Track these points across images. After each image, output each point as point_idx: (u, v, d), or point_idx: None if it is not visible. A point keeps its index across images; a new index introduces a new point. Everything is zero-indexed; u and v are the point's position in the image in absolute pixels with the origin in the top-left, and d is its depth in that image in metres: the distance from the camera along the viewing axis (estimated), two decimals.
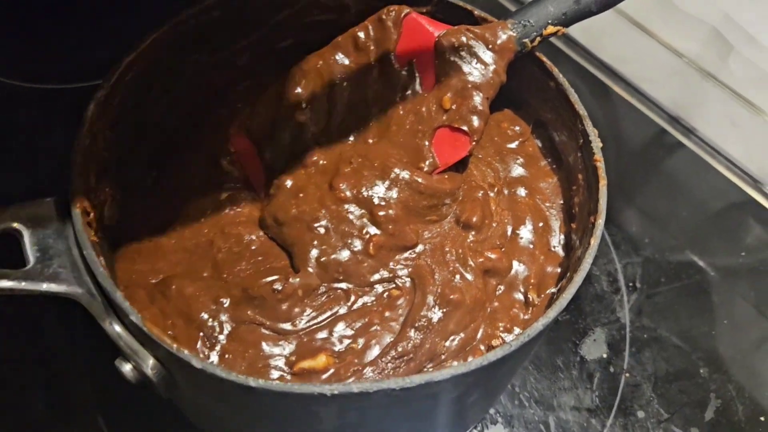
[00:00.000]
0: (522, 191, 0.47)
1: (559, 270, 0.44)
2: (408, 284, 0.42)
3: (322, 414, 0.35)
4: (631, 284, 0.60)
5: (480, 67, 0.44)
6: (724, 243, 0.65)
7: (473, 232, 0.44)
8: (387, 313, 0.41)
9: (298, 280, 0.41)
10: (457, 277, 0.42)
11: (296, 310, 0.40)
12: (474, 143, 0.44)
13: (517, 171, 0.48)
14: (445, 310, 0.41)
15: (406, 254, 0.43)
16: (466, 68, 0.44)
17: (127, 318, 0.34)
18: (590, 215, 0.41)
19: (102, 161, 0.42)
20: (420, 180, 0.44)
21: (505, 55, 0.44)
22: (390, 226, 0.43)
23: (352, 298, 0.42)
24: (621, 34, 0.66)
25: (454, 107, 0.44)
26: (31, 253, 0.36)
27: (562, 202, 0.47)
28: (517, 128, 0.51)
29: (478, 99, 0.43)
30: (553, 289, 0.43)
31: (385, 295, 0.42)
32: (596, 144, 0.43)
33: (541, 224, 0.46)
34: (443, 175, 0.45)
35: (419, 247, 0.43)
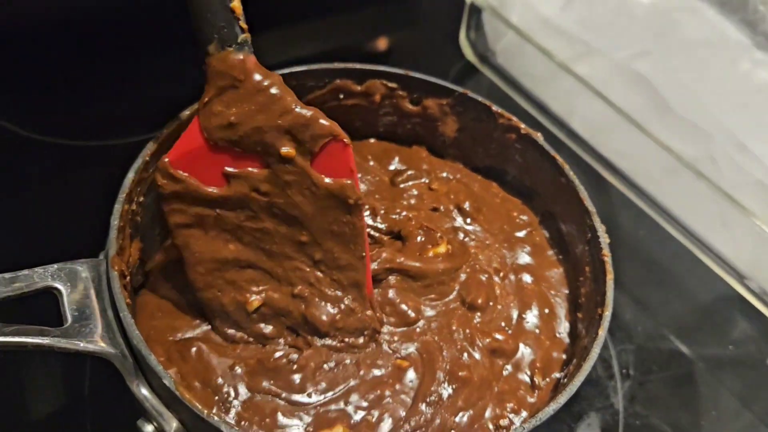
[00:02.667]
0: (528, 278, 0.50)
1: (564, 356, 0.46)
2: (414, 356, 0.44)
3: None
4: (624, 371, 0.62)
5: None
6: (711, 335, 0.68)
7: (479, 313, 0.47)
8: (397, 386, 0.43)
9: (310, 352, 0.43)
10: (465, 355, 0.44)
11: (309, 382, 0.42)
12: (344, 137, 0.42)
13: (524, 259, 0.51)
14: (454, 386, 0.43)
15: (408, 330, 0.45)
16: None
17: (157, 380, 0.36)
18: (597, 307, 0.44)
19: (134, 225, 0.44)
20: (411, 263, 0.47)
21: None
22: (387, 308, 0.45)
23: (363, 370, 0.43)
24: (621, 131, 0.71)
25: (298, 150, 0.41)
26: (69, 312, 0.38)
27: (567, 291, 0.50)
28: (526, 218, 0.54)
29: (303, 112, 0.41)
30: (558, 374, 0.45)
31: (391, 366, 0.43)
32: (604, 240, 0.46)
33: (546, 311, 0.48)
34: (437, 257, 0.48)
35: (421, 323, 0.46)
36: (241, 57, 0.39)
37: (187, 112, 0.46)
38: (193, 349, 0.43)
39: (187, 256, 0.43)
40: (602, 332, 0.41)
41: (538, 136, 0.51)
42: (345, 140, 0.42)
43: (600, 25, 0.84)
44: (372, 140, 0.59)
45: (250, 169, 0.42)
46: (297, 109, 0.41)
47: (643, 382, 0.62)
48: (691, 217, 0.71)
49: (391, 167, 0.56)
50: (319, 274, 0.45)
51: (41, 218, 0.62)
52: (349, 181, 0.42)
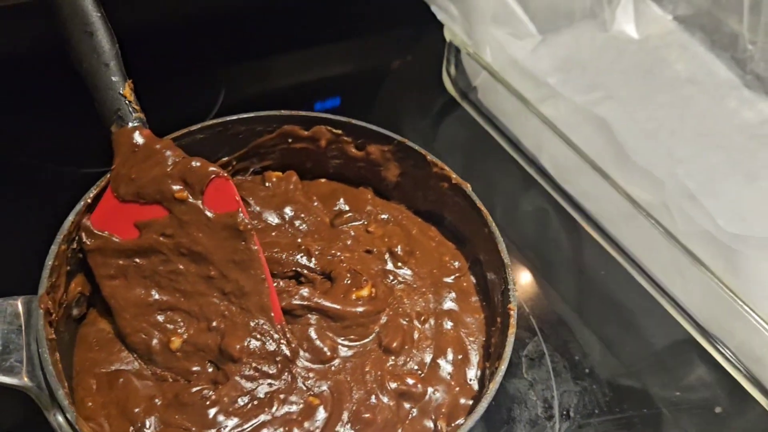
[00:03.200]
0: (449, 324, 0.52)
1: (470, 403, 0.48)
2: (326, 394, 0.47)
3: None
4: (565, 412, 0.63)
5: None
6: (663, 379, 0.68)
7: (393, 357, 0.49)
8: (306, 423, 0.45)
9: (226, 387, 0.46)
10: (373, 397, 0.47)
11: (221, 417, 0.45)
12: (224, 173, 0.49)
13: (448, 304, 0.53)
14: (357, 427, 0.45)
15: (324, 367, 0.48)
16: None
17: (64, 412, 0.39)
18: (497, 359, 0.45)
19: (74, 264, 0.48)
20: (328, 304, 0.49)
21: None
22: (304, 344, 0.48)
23: (275, 406, 0.46)
24: (584, 173, 0.72)
25: (189, 191, 0.49)
26: None
27: (484, 339, 0.51)
28: (457, 263, 0.56)
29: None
30: (462, 421, 0.47)
31: (303, 403, 0.46)
32: (513, 293, 0.48)
33: (460, 356, 0.50)
34: (359, 299, 0.50)
35: (337, 362, 0.48)
36: (137, 131, 0.49)
37: None
38: (121, 380, 0.46)
39: (113, 304, 0.48)
40: (493, 386, 0.43)
41: (467, 187, 0.53)
42: (225, 176, 0.49)
43: (569, 68, 0.86)
44: (323, 180, 0.62)
45: (154, 217, 0.49)
46: (183, 159, 0.49)
47: (583, 425, 0.63)
48: (649, 262, 0.71)
49: (336, 208, 0.59)
50: (230, 305, 0.48)
51: None
52: (235, 210, 0.48)
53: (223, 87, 0.86)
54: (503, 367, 0.44)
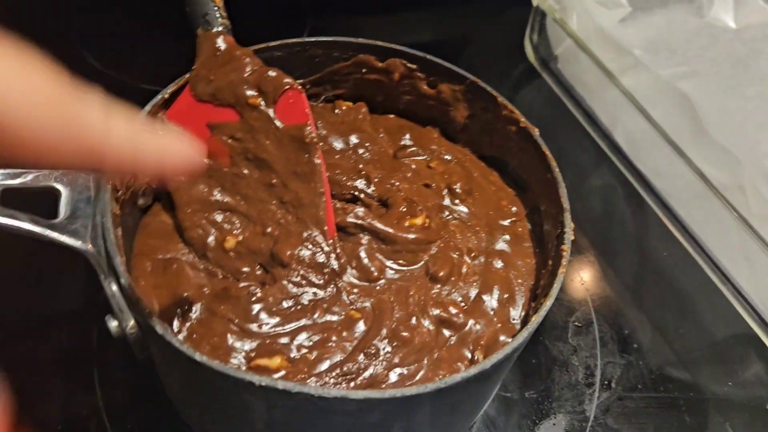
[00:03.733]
0: (499, 263, 0.51)
1: (510, 340, 0.47)
2: (368, 310, 0.47)
3: (254, 405, 0.40)
4: (606, 382, 0.62)
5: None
6: (715, 370, 0.65)
7: (439, 285, 0.49)
8: (344, 333, 0.46)
9: (273, 289, 0.47)
10: (414, 319, 0.47)
11: (264, 314, 0.46)
12: (298, 86, 0.50)
13: (501, 245, 0.53)
14: (394, 344, 0.45)
15: (369, 286, 0.48)
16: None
17: (119, 278, 0.41)
18: (543, 297, 0.45)
19: None
20: (381, 227, 0.50)
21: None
22: (353, 262, 0.48)
23: (317, 313, 0.47)
24: (658, 149, 0.69)
25: (262, 99, 0.50)
26: (62, 210, 0.44)
27: (532, 282, 0.51)
28: (514, 209, 0.55)
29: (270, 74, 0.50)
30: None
31: (344, 315, 0.47)
32: (569, 236, 0.47)
33: (506, 296, 0.49)
34: (412, 226, 0.50)
35: (382, 282, 0.49)
36: (221, 36, 0.51)
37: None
38: (175, 266, 0.48)
39: (176, 198, 0.50)
40: (536, 319, 0.42)
41: (535, 131, 0.53)
42: (299, 88, 0.50)
43: (656, 49, 0.83)
44: (391, 116, 0.62)
45: (227, 120, 0.51)
46: (261, 68, 0.51)
47: (623, 398, 0.61)
48: (716, 247, 0.69)
49: (401, 142, 0.59)
50: (287, 214, 0.49)
51: None
52: (304, 123, 0.49)
53: (309, 22, 0.88)
54: (548, 303, 0.43)
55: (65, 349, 0.58)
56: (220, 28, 0.51)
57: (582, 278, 0.70)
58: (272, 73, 0.51)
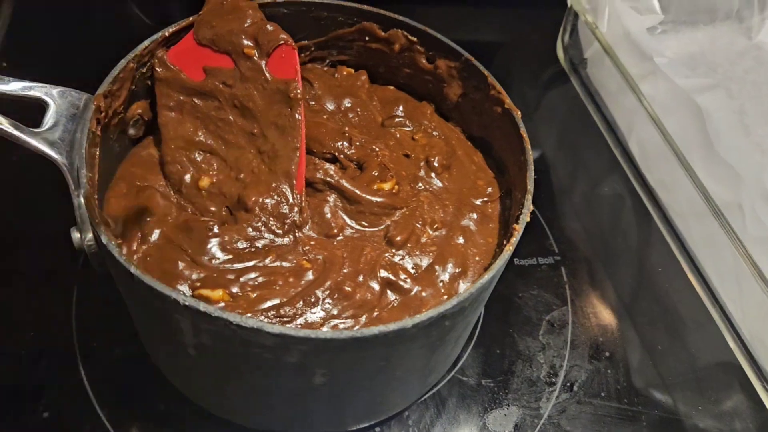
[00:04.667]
0: (460, 239, 0.51)
1: None
2: (319, 261, 0.48)
3: (182, 324, 0.42)
4: (568, 384, 0.61)
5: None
6: (691, 392, 0.63)
7: (394, 250, 0.50)
8: (291, 279, 0.47)
9: (231, 228, 0.48)
10: (361, 277, 0.47)
11: (217, 249, 0.47)
12: (291, 42, 0.52)
13: (466, 222, 0.53)
14: (335, 296, 0.46)
15: (326, 240, 0.49)
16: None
17: (81, 190, 0.44)
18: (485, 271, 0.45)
19: (142, 87, 0.53)
20: (347, 186, 0.50)
21: None
22: (316, 217, 0.49)
23: (269, 258, 0.48)
24: (666, 161, 0.68)
25: (257, 50, 0.52)
26: (47, 122, 0.47)
27: (488, 262, 0.50)
28: (489, 190, 0.55)
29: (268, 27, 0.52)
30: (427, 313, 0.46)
31: (296, 263, 0.48)
32: (524, 217, 0.46)
33: (459, 270, 0.49)
34: (379, 190, 0.51)
35: (339, 238, 0.49)
36: None
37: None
38: (147, 192, 0.51)
39: (164, 132, 0.53)
40: (470, 288, 0.42)
41: (517, 113, 0.52)
42: (292, 45, 0.51)
43: (695, 65, 0.81)
44: (391, 87, 0.63)
45: (222, 66, 0.53)
46: (261, 21, 0.52)
47: (583, 403, 0.60)
48: (710, 268, 0.67)
49: (393, 113, 0.60)
50: (261, 164, 0.51)
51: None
52: (292, 79, 0.51)
53: None
54: (486, 277, 0.43)
55: (53, 264, 0.62)
56: None
57: (569, 280, 0.69)
58: (270, 27, 0.53)
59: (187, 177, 0.52)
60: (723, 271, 0.64)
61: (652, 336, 0.66)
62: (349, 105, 0.58)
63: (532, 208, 0.47)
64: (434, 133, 0.59)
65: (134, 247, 0.47)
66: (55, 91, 0.48)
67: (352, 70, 0.62)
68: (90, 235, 0.45)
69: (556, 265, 0.69)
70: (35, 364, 0.56)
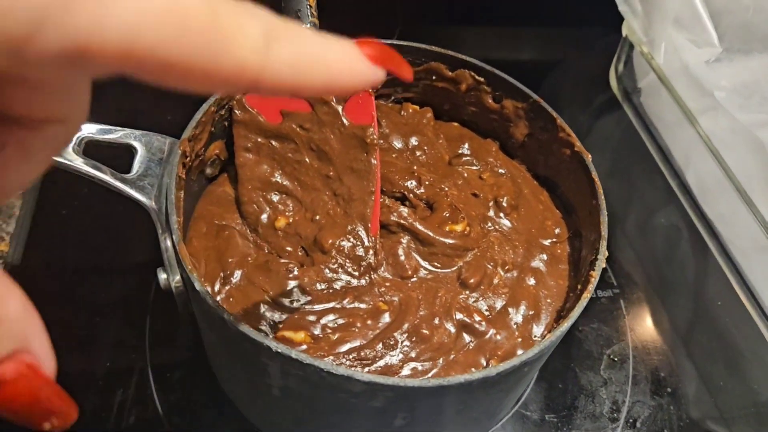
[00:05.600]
0: (531, 280, 0.52)
1: None
2: (395, 303, 0.49)
3: (270, 368, 0.43)
4: (631, 420, 0.61)
5: None
6: (754, 430, 0.63)
7: (468, 291, 0.51)
8: (369, 322, 0.49)
9: (310, 270, 0.50)
10: (437, 319, 0.49)
11: (297, 291, 0.49)
12: (370, 91, 0.53)
13: (536, 263, 0.53)
14: (413, 339, 0.47)
15: (401, 282, 0.50)
16: None
17: (171, 235, 0.45)
18: (563, 318, 0.45)
19: (219, 128, 0.55)
20: (421, 228, 0.51)
21: None
22: (390, 258, 0.50)
23: (347, 299, 0.49)
24: (726, 195, 0.68)
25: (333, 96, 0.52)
26: (135, 167, 0.49)
27: (560, 304, 0.51)
28: (557, 230, 0.56)
29: None
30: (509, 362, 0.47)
31: (372, 305, 0.49)
32: (600, 263, 0.47)
33: (532, 312, 0.50)
34: (451, 232, 0.52)
35: (414, 280, 0.51)
36: None
37: None
38: (227, 233, 0.52)
39: (241, 173, 0.54)
40: (550, 336, 0.43)
41: (587, 156, 0.53)
42: (369, 91, 0.52)
43: (749, 94, 0.81)
44: (455, 124, 0.64)
45: (299, 109, 0.54)
46: None
47: None
48: None
49: (459, 151, 0.61)
50: (336, 206, 0.52)
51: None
52: (369, 125, 0.52)
53: (399, 26, 0.91)
54: (566, 324, 0.44)
55: (126, 296, 0.64)
56: (308, 25, 0.55)
57: (628, 313, 0.69)
58: None
59: (264, 217, 0.54)
60: None
61: (712, 370, 0.66)
62: (416, 143, 0.59)
63: (607, 254, 0.48)
64: (500, 171, 0.59)
65: (217, 288, 0.49)
66: (141, 136, 0.50)
67: (418, 107, 0.63)
68: (178, 277, 0.47)
69: (615, 297, 0.70)
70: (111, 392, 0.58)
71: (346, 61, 0.24)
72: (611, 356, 0.65)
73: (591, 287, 0.46)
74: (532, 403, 0.61)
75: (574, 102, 0.93)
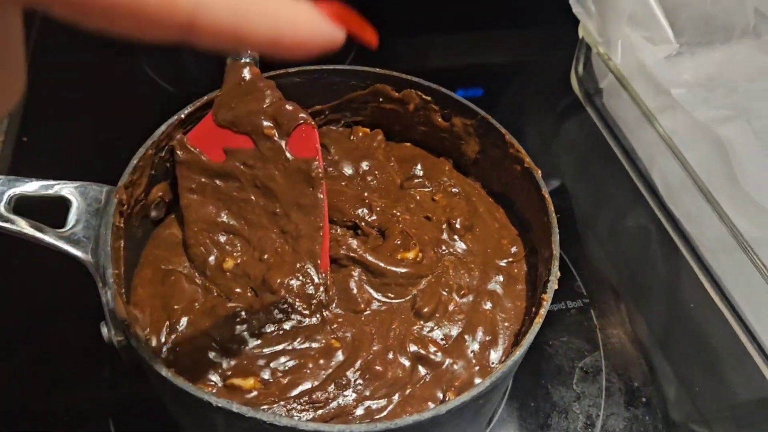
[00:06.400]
0: (488, 304, 0.51)
1: None
2: (348, 340, 0.48)
3: (216, 420, 0.42)
4: None
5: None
6: (734, 429, 0.62)
7: (422, 322, 0.49)
8: (321, 361, 0.47)
9: (259, 313, 0.48)
10: (391, 354, 0.47)
11: (246, 335, 0.48)
12: (311, 121, 0.51)
13: (493, 286, 0.52)
14: (366, 376, 0.46)
15: (354, 316, 0.49)
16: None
17: (108, 289, 0.44)
18: (517, 346, 0.44)
19: (161, 171, 0.53)
20: (371, 260, 0.50)
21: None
22: (342, 293, 0.49)
23: (298, 339, 0.48)
24: (691, 194, 0.67)
25: (277, 130, 0.52)
26: (70, 220, 0.47)
27: (518, 327, 0.50)
28: (514, 249, 0.54)
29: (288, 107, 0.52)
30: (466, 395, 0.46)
31: (324, 343, 0.48)
32: (552, 285, 0.46)
33: (489, 338, 0.49)
34: (403, 260, 0.50)
35: (367, 314, 0.49)
36: (248, 67, 0.53)
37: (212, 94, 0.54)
38: (173, 278, 0.51)
39: (186, 215, 0.53)
40: (502, 368, 0.42)
41: (537, 172, 0.52)
42: (312, 124, 0.51)
43: (713, 86, 0.80)
44: (407, 144, 0.63)
45: (242, 146, 0.52)
46: (279, 101, 0.52)
47: None
48: (744, 303, 0.65)
49: (411, 172, 0.60)
50: (285, 244, 0.51)
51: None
52: (313, 158, 0.50)
53: (354, 47, 0.90)
54: (518, 353, 0.43)
55: (82, 343, 0.62)
56: (248, 59, 0.54)
57: (599, 322, 0.68)
58: (289, 107, 0.52)
59: (211, 259, 0.52)
60: (757, 305, 0.63)
61: (689, 374, 0.65)
62: (367, 168, 0.58)
63: (559, 274, 0.47)
64: (454, 190, 0.58)
65: (163, 339, 0.48)
66: (76, 187, 0.48)
67: (368, 130, 0.62)
68: (119, 331, 0.46)
69: (585, 308, 0.68)
70: None
71: (297, 11, 0.22)
72: (583, 369, 0.64)
73: (543, 311, 0.45)
74: (504, 424, 0.60)
75: (539, 106, 0.92)
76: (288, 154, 0.52)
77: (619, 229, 0.78)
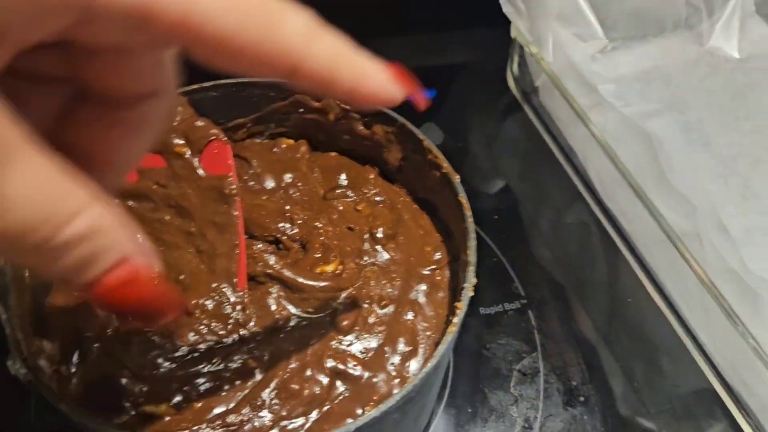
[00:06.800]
0: (409, 314, 0.50)
1: None
2: (266, 359, 0.47)
3: None
4: None
5: None
6: (677, 426, 0.62)
7: (341, 336, 0.48)
8: (238, 382, 0.46)
9: (170, 336, 0.47)
10: (309, 371, 0.46)
11: (160, 359, 0.46)
12: (224, 137, 0.51)
13: (415, 295, 0.51)
14: (282, 396, 0.45)
15: (272, 335, 0.48)
16: None
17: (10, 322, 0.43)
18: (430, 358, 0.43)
19: None
20: (289, 275, 0.49)
21: None
22: (260, 311, 0.48)
23: (214, 360, 0.47)
24: (624, 191, 0.67)
25: (189, 147, 0.51)
26: None
27: (439, 336, 0.49)
28: (438, 256, 0.54)
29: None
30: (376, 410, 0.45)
31: (242, 363, 0.47)
32: (467, 293, 0.45)
33: (409, 349, 0.48)
34: (322, 274, 0.50)
35: (286, 331, 0.48)
36: None
37: None
38: (85, 304, 0.49)
39: None
40: (411, 381, 0.41)
41: (455, 177, 0.51)
42: (224, 140, 0.51)
43: (650, 80, 0.80)
44: (333, 154, 0.62)
45: (154, 166, 0.51)
46: (191, 118, 0.51)
47: None
48: (678, 296, 0.65)
49: (336, 182, 0.59)
50: (200, 264, 0.50)
51: None
52: (226, 174, 0.50)
53: None
54: (429, 365, 0.42)
55: None
56: None
57: (537, 323, 0.68)
58: (200, 123, 0.51)
59: None
60: (690, 299, 0.63)
61: (628, 369, 0.65)
62: (290, 180, 0.57)
63: (475, 281, 0.46)
64: (377, 199, 0.57)
65: (73, 369, 0.46)
66: None
67: (292, 141, 0.61)
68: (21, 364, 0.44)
69: (522, 309, 0.68)
70: None
71: (374, 69, 0.26)
72: (521, 371, 0.64)
73: (457, 320, 0.44)
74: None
75: (480, 107, 0.92)
76: (200, 172, 0.51)
77: (560, 227, 0.78)
